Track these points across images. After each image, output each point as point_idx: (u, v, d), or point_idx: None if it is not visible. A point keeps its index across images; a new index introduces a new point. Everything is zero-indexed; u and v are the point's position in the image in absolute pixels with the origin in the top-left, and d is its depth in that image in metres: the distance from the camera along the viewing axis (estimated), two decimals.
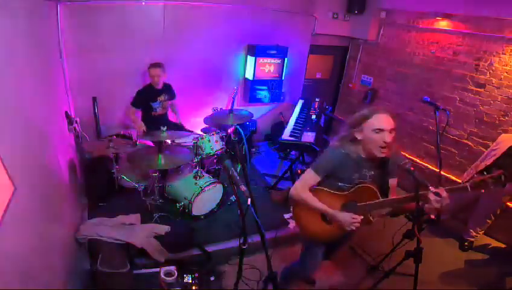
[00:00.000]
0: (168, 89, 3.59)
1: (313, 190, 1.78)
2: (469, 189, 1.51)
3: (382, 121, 1.58)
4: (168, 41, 3.78)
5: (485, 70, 3.43)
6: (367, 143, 1.62)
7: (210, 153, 3.11)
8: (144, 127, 3.37)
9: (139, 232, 2.52)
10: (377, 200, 1.72)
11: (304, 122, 3.75)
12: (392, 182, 1.80)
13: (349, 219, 1.70)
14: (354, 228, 1.71)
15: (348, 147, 1.69)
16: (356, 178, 1.73)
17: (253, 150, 4.70)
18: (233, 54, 4.39)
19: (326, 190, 1.78)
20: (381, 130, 1.56)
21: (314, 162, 1.79)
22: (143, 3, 3.49)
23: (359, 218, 1.71)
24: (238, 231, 1.47)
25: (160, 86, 3.45)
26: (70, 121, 3.07)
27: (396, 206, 1.76)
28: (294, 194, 1.80)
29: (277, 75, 4.63)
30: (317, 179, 1.74)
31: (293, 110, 4.18)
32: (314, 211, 1.81)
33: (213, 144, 3.13)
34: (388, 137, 1.56)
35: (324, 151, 1.78)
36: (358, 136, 1.65)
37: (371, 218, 1.77)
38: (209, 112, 3.59)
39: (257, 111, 4.67)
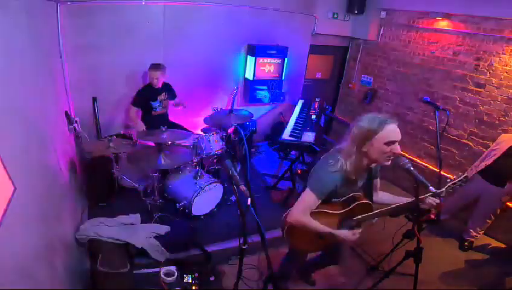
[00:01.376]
0: (167, 88, 3.59)
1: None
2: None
3: (393, 133, 1.52)
4: (168, 41, 3.78)
5: (485, 70, 3.43)
6: (375, 154, 1.54)
7: (210, 153, 3.11)
8: (143, 128, 3.38)
9: (139, 232, 2.52)
10: (371, 213, 1.72)
11: (304, 122, 3.75)
12: (376, 182, 1.83)
13: (351, 235, 1.69)
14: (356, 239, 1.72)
15: (346, 163, 1.58)
16: (349, 192, 1.70)
17: (253, 150, 4.70)
18: (233, 54, 4.39)
19: (322, 211, 1.69)
20: (393, 142, 1.51)
21: (314, 185, 1.63)
22: (143, 3, 3.49)
23: (358, 232, 1.71)
24: (238, 231, 1.46)
25: (159, 86, 3.45)
26: (70, 121, 3.07)
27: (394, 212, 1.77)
28: (294, 220, 1.68)
29: (277, 75, 4.63)
30: (319, 202, 1.64)
31: (293, 110, 4.18)
32: (310, 232, 1.73)
33: (213, 144, 3.13)
34: (398, 147, 1.52)
35: (324, 172, 1.62)
36: (364, 149, 1.55)
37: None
38: (209, 112, 3.60)
39: (257, 111, 4.67)
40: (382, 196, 1.91)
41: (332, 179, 1.60)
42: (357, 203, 1.70)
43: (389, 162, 1.56)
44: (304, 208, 1.65)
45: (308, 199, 1.63)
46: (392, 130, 1.51)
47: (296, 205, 1.69)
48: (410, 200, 1.70)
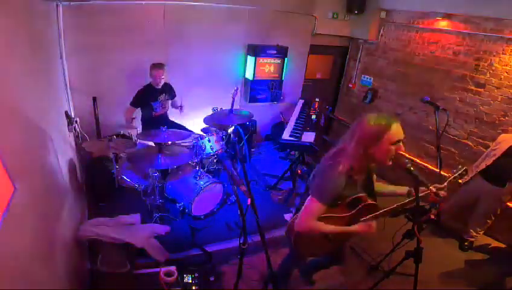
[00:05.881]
0: (168, 89, 3.59)
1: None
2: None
3: (399, 132, 1.47)
4: (168, 41, 3.78)
5: (485, 70, 3.43)
6: (380, 156, 1.49)
7: (210, 153, 3.11)
8: (138, 128, 3.40)
9: (139, 232, 2.52)
10: (376, 213, 1.69)
11: (304, 123, 3.75)
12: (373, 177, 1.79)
13: (367, 227, 1.67)
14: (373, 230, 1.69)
15: (350, 165, 1.52)
16: (352, 193, 1.63)
17: (253, 150, 4.70)
18: (233, 54, 4.39)
19: (329, 215, 1.62)
20: (399, 141, 1.47)
21: (317, 192, 1.57)
22: (143, 3, 3.49)
23: (373, 223, 1.68)
24: (238, 231, 1.46)
25: (160, 86, 3.45)
26: (70, 121, 3.07)
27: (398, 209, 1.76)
28: (303, 230, 1.61)
29: (277, 75, 4.63)
30: (324, 208, 1.56)
31: (293, 110, 4.18)
32: (318, 238, 1.72)
33: (213, 144, 3.13)
34: (402, 146, 1.49)
35: (327, 177, 1.56)
36: (371, 151, 1.49)
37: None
38: (209, 112, 3.59)
39: (257, 111, 4.66)
40: (378, 188, 1.84)
41: (335, 184, 1.52)
42: (363, 204, 1.65)
43: (391, 163, 1.53)
44: (310, 217, 1.57)
45: (313, 207, 1.56)
46: (399, 129, 1.48)
47: (302, 214, 1.61)
48: (404, 189, 1.77)
